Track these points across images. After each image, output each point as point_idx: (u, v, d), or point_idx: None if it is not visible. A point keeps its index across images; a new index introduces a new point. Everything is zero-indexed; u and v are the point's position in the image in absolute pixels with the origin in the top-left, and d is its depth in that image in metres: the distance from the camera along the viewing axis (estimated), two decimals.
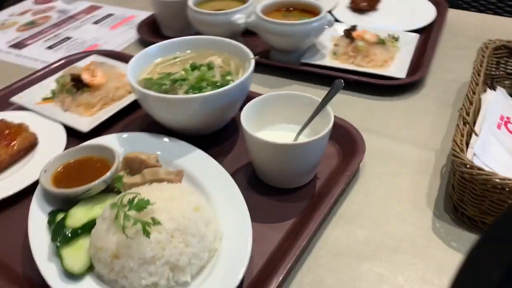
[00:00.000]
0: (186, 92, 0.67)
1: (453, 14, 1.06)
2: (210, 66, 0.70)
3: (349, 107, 0.79)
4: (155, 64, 0.75)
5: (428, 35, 0.95)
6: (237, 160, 0.67)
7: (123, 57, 0.89)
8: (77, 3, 1.26)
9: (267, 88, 0.85)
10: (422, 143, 0.70)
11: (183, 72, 0.70)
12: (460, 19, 1.05)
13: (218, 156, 0.67)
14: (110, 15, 1.18)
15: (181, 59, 0.75)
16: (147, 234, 0.46)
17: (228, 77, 0.70)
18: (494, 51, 0.77)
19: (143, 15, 1.13)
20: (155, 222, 0.47)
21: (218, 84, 0.68)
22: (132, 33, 1.06)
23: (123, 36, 1.07)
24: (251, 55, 0.70)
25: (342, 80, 0.61)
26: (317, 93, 0.64)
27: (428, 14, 1.02)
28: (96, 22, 1.15)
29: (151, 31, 1.04)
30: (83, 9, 1.23)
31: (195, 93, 0.66)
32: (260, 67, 0.90)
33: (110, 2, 1.26)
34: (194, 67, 0.70)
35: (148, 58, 0.73)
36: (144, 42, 1.01)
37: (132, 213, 0.48)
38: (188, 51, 0.76)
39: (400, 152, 0.68)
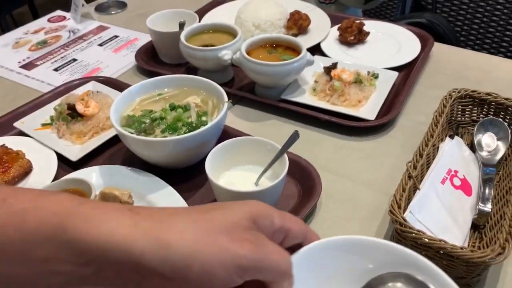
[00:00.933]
0: (163, 131, 0.74)
1: (438, 49, 1.09)
2: (186, 108, 0.76)
3: (318, 145, 0.84)
4: (141, 99, 0.81)
5: (408, 73, 0.99)
6: (207, 195, 0.74)
7: (118, 85, 0.96)
8: (86, 22, 1.34)
9: (248, 122, 0.91)
10: (379, 187, 0.75)
11: (162, 112, 0.76)
12: (444, 56, 1.08)
13: (189, 190, 0.74)
14: (115, 36, 1.26)
15: (164, 96, 0.82)
16: None
17: (204, 118, 0.76)
18: (460, 99, 0.81)
19: (145, 38, 1.20)
20: None
21: (193, 124, 0.74)
22: (132, 57, 1.13)
23: (123, 60, 1.14)
24: (226, 98, 0.76)
25: (298, 131, 0.67)
26: (293, 128, 0.69)
27: (413, 49, 1.06)
28: (101, 44, 1.23)
29: (149, 57, 1.12)
30: (92, 29, 1.31)
31: (170, 134, 0.73)
32: (244, 100, 0.97)
33: (118, 23, 1.33)
34: (172, 107, 0.77)
35: (132, 96, 0.80)
36: (141, 68, 1.08)
37: None
38: (171, 89, 0.82)
39: (357, 196, 0.73)
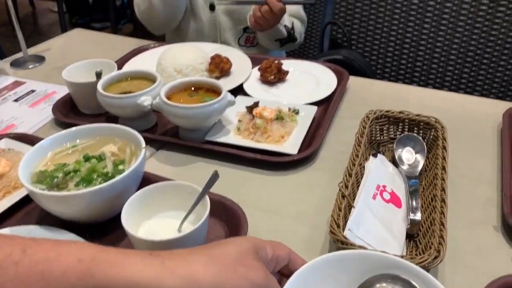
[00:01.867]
0: (77, 185, 0.70)
1: (354, 81, 1.14)
2: (101, 158, 0.73)
3: (245, 184, 0.83)
4: (54, 153, 0.77)
5: (327, 107, 1.02)
6: (130, 248, 0.70)
7: (33, 141, 0.91)
8: (1, 78, 1.28)
9: (172, 167, 0.89)
10: (307, 218, 0.75)
11: (76, 164, 0.73)
12: (361, 87, 1.14)
13: (111, 244, 0.70)
14: (32, 91, 1.21)
15: (78, 147, 0.78)
16: None
17: (121, 167, 0.73)
18: (376, 120, 0.87)
19: (64, 91, 1.16)
20: None
21: (109, 175, 0.71)
22: (50, 111, 1.09)
23: (41, 115, 1.10)
24: (143, 144, 0.74)
25: (217, 171, 0.66)
26: (219, 169, 0.69)
27: (330, 84, 1.10)
28: (16, 100, 1.17)
29: (68, 110, 1.08)
30: (7, 85, 1.25)
31: (85, 186, 0.69)
32: (168, 145, 0.95)
33: (36, 77, 1.29)
34: (86, 158, 0.74)
35: (44, 150, 0.76)
36: (60, 121, 1.04)
37: None
38: (84, 140, 0.79)
39: (286, 229, 0.73)
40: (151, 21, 1.41)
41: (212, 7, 1.40)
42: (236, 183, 0.84)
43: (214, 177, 0.66)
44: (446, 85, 1.41)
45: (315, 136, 0.91)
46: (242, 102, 1.00)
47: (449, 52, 1.38)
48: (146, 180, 0.76)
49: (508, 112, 0.93)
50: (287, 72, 1.14)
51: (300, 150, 0.87)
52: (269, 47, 1.45)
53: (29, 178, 0.71)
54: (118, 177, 0.67)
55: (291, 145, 0.89)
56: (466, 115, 1.01)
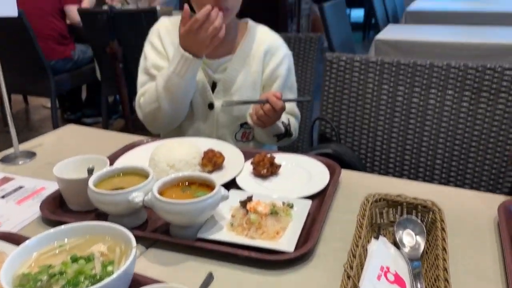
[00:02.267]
0: None
1: (345, 175, 1.15)
2: (89, 259, 0.70)
3: (240, 284, 0.79)
4: (39, 254, 0.73)
5: (321, 200, 1.02)
6: None
7: (18, 240, 0.87)
8: None
9: (162, 266, 0.85)
10: None
11: (62, 266, 0.69)
12: (353, 180, 1.14)
13: None
14: (20, 187, 1.19)
15: (65, 247, 0.75)
16: None
17: (110, 268, 0.69)
18: (376, 202, 0.89)
19: (54, 187, 1.14)
20: None
21: (97, 277, 0.67)
22: (37, 208, 1.06)
23: (28, 212, 1.06)
24: (134, 243, 0.71)
25: (212, 273, 0.63)
26: (212, 268, 0.65)
27: (323, 178, 1.10)
28: (3, 196, 1.14)
29: (56, 207, 1.05)
30: None
31: None
32: (158, 243, 0.91)
33: (25, 173, 1.27)
34: (74, 259, 0.70)
35: (28, 250, 0.72)
36: (47, 219, 1.01)
37: None
38: (73, 239, 0.76)
39: None
40: (155, 122, 1.44)
41: (211, 106, 1.44)
42: (231, 284, 0.79)
43: (208, 279, 0.63)
44: (435, 178, 1.42)
45: (311, 231, 0.89)
46: (235, 196, 0.99)
47: (436, 146, 1.42)
48: (135, 282, 0.72)
49: (503, 206, 0.94)
50: (279, 166, 1.15)
51: (297, 247, 0.84)
52: (266, 142, 1.48)
53: (11, 282, 0.67)
54: (106, 281, 0.63)
55: (287, 242, 0.86)
56: (459, 209, 1.01)
